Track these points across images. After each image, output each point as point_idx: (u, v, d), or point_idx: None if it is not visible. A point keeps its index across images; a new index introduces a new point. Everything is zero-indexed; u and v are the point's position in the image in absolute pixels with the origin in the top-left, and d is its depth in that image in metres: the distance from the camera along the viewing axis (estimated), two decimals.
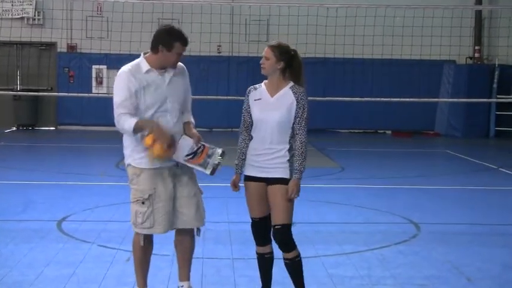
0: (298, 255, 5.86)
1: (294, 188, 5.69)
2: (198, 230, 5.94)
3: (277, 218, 5.75)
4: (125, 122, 5.58)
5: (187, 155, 5.70)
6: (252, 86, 5.92)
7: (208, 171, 5.73)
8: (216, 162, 5.73)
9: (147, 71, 5.67)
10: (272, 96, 5.78)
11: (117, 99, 5.63)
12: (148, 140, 5.55)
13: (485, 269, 7.36)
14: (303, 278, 5.93)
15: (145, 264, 5.94)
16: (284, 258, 5.86)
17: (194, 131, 5.82)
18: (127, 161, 5.81)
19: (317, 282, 6.65)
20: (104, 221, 9.22)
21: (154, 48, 5.67)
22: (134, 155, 5.75)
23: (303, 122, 5.75)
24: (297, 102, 5.74)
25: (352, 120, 24.08)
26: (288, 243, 5.81)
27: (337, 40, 20.14)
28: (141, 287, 5.96)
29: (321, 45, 20.40)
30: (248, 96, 5.85)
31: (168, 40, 5.63)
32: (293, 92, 5.76)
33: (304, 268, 6.94)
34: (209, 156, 5.74)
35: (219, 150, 5.77)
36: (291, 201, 5.75)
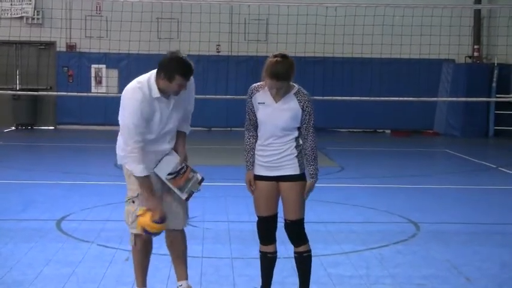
0: (308, 251, 5.91)
1: (309, 190, 5.81)
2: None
3: (290, 214, 5.82)
4: (136, 164, 5.53)
5: (170, 174, 5.71)
6: (254, 87, 5.82)
7: (184, 196, 5.75)
8: (194, 190, 5.76)
9: (157, 98, 5.58)
10: (276, 101, 5.73)
11: (130, 121, 5.49)
12: (140, 211, 5.64)
13: (484, 268, 7.37)
14: (309, 274, 5.95)
15: (144, 264, 5.95)
16: (294, 252, 5.93)
17: (182, 149, 5.79)
18: (120, 161, 5.81)
19: (316, 282, 6.65)
20: (103, 221, 9.22)
21: (158, 74, 5.58)
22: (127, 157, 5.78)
23: (310, 128, 5.79)
24: (303, 110, 5.72)
25: (351, 120, 24.08)
26: (298, 238, 5.87)
27: (336, 39, 20.11)
28: (140, 287, 5.97)
29: (320, 44, 20.37)
30: (251, 97, 5.79)
31: (169, 71, 5.50)
32: (298, 100, 5.72)
33: None
34: (189, 180, 5.75)
35: (199, 177, 5.78)
36: (303, 197, 5.82)
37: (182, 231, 5.97)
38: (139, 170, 5.53)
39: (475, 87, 22.17)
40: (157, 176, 5.73)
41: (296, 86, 5.78)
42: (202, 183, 5.83)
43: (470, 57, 24.02)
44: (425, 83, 23.31)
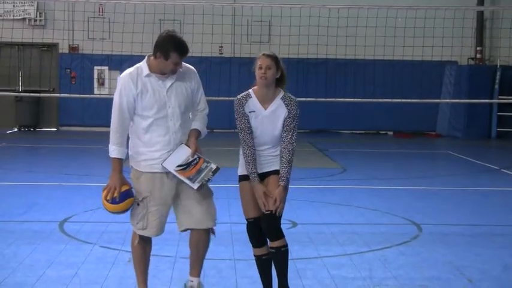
0: (285, 245, 5.86)
1: (281, 196, 5.77)
2: (213, 229, 5.93)
3: (270, 204, 5.79)
4: (113, 143, 5.64)
5: (179, 166, 5.63)
6: (242, 96, 5.89)
7: (195, 186, 5.64)
8: (206, 178, 5.66)
9: (147, 75, 5.64)
10: (265, 108, 5.82)
11: (116, 100, 5.65)
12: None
13: (486, 270, 7.36)
14: (287, 269, 5.91)
15: (143, 263, 5.92)
16: (270, 247, 5.87)
17: (194, 141, 5.71)
18: (130, 162, 5.82)
19: (319, 283, 6.66)
20: (106, 222, 9.21)
21: (154, 53, 5.63)
22: (136, 157, 5.76)
23: (291, 130, 5.81)
24: (288, 113, 5.80)
25: (354, 121, 24.09)
26: (274, 231, 5.83)
27: (339, 41, 20.13)
28: (141, 286, 5.95)
29: (323, 46, 20.40)
30: (243, 107, 5.82)
31: (165, 49, 5.55)
32: (285, 104, 5.82)
33: (306, 269, 6.95)
34: (200, 171, 5.66)
35: (213, 166, 5.70)
36: (284, 190, 5.81)
37: (201, 232, 5.87)
38: (110, 149, 5.66)
39: (478, 89, 22.18)
40: (170, 178, 5.68)
41: (281, 90, 5.86)
42: (218, 172, 5.72)
43: (472, 59, 24.02)
44: (427, 84, 23.30)
